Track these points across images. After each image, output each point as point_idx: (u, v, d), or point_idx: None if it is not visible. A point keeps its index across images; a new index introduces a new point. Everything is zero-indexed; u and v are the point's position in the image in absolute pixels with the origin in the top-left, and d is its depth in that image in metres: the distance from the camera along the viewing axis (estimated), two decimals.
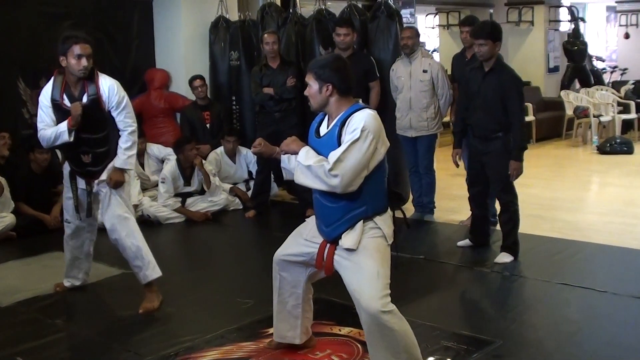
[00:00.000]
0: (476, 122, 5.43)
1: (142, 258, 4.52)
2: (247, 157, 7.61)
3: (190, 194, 7.15)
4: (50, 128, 4.40)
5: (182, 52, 8.25)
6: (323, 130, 3.32)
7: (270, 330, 4.11)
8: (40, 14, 7.37)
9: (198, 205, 7.10)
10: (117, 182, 4.49)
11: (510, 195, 5.45)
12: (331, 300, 4.62)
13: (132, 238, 4.52)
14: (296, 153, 3.25)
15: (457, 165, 5.87)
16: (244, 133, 7.93)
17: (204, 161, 7.25)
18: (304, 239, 3.51)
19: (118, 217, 4.50)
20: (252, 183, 7.47)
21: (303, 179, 3.19)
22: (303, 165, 3.18)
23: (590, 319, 4.31)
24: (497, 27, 5.33)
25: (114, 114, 4.44)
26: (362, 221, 3.23)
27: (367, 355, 3.76)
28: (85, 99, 4.37)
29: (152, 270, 4.55)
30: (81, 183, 4.61)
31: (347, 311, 4.38)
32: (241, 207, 7.42)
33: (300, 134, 7.05)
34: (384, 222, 3.32)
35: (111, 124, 4.49)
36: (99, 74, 4.45)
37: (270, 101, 6.89)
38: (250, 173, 7.60)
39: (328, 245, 3.34)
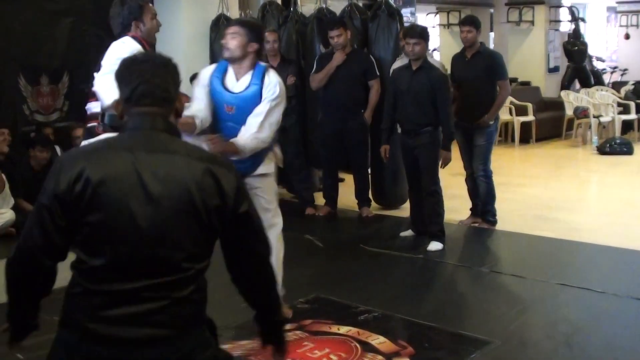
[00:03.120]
0: (406, 118, 5.76)
1: None
2: None
3: None
4: None
5: (183, 50, 8.23)
6: (232, 83, 3.91)
7: None
8: (41, 11, 7.37)
9: None
10: None
11: (436, 185, 5.73)
12: (330, 299, 4.63)
13: None
14: (237, 152, 3.75)
15: (386, 160, 6.12)
16: None
17: None
18: None
19: None
20: None
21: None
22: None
23: (588, 320, 4.32)
24: (427, 29, 5.92)
25: None
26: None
27: (365, 355, 3.78)
28: None
29: None
30: None
31: (345, 310, 4.40)
32: None
33: (299, 132, 7.15)
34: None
35: None
36: None
37: None
38: None
39: None
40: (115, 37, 3.99)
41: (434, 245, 5.67)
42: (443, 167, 5.70)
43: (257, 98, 3.84)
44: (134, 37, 3.91)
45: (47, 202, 1.87)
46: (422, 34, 5.68)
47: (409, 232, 6.08)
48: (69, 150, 2.05)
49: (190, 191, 1.87)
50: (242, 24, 3.97)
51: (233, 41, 3.81)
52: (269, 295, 2.12)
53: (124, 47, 3.80)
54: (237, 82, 3.90)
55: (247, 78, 3.88)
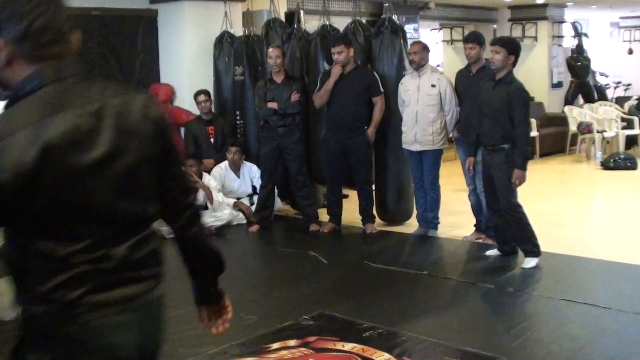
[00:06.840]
0: (484, 131, 5.61)
1: None
2: (251, 172, 7.61)
3: None
4: None
5: (187, 67, 8.28)
6: None
7: (275, 346, 4.11)
8: None
9: None
10: None
11: (511, 205, 5.55)
12: (334, 315, 4.62)
13: None
14: None
15: (471, 173, 6.06)
16: (248, 147, 7.95)
17: (208, 176, 7.26)
18: None
19: None
20: (255, 198, 7.47)
21: None
22: None
23: (594, 336, 4.30)
24: (514, 41, 5.74)
25: None
26: None
27: None
28: None
29: None
30: None
31: (350, 327, 4.39)
32: (245, 221, 7.41)
33: (303, 149, 7.17)
34: None
35: None
36: None
37: (274, 116, 6.91)
38: (254, 188, 7.60)
39: None
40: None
41: (528, 262, 5.54)
42: (516, 187, 5.50)
43: None
44: None
45: None
46: (507, 44, 5.48)
47: (494, 252, 5.90)
48: None
49: None
50: None
51: None
52: None
53: None
54: None
55: None
